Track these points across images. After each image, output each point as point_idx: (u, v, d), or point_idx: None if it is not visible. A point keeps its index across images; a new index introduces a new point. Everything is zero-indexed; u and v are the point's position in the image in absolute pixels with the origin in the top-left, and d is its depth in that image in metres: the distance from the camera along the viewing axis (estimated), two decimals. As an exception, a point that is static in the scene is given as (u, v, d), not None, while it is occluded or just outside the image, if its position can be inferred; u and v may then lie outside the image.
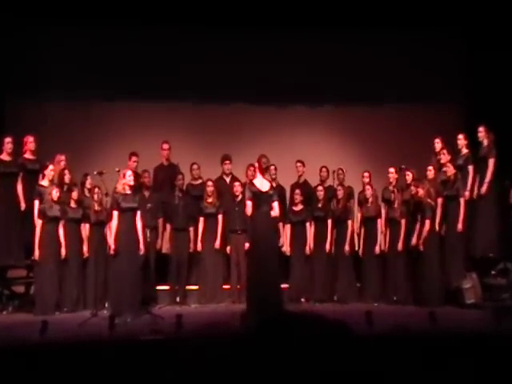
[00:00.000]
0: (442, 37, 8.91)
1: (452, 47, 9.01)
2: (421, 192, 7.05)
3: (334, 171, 7.88)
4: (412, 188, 7.21)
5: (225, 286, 7.52)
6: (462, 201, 7.06)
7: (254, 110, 8.99)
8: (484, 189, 7.07)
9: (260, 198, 5.92)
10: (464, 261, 7.00)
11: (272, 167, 7.71)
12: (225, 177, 8.07)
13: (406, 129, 8.96)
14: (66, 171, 7.25)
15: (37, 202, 6.84)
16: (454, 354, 4.07)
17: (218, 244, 7.48)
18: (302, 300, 7.37)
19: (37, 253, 6.69)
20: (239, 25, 8.59)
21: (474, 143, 7.41)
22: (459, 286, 6.77)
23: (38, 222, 6.75)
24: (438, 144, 7.58)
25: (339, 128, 9.17)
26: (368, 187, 7.63)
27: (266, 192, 5.94)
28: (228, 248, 7.54)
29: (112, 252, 6.38)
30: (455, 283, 6.82)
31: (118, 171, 6.57)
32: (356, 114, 9.07)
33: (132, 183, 6.52)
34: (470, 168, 7.24)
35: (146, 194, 7.47)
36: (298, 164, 8.13)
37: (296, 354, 1.36)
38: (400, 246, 7.19)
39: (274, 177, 7.77)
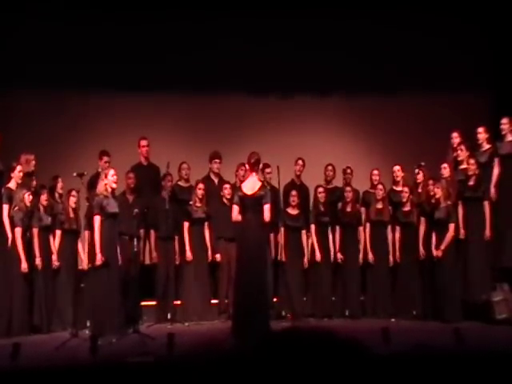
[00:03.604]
0: (463, 16, 8.87)
1: (476, 29, 8.96)
2: (439, 193, 7.04)
3: (343, 170, 7.89)
4: (430, 187, 7.20)
5: (214, 301, 7.53)
6: (486, 204, 7.02)
7: (250, 101, 8.96)
8: None
9: (246, 203, 5.87)
10: (493, 270, 7.00)
11: (268, 169, 7.66)
12: (213, 177, 7.99)
13: (425, 121, 8.95)
14: (33, 177, 7.18)
15: (6, 207, 6.80)
16: (483, 376, 4.06)
17: (210, 254, 7.49)
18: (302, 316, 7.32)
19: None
20: (232, 4, 8.56)
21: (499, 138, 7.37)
22: (488, 299, 6.76)
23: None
24: (456, 139, 7.54)
25: (349, 120, 9.16)
26: (381, 187, 7.61)
27: (253, 195, 5.86)
28: (218, 256, 7.52)
29: (99, 262, 6.29)
30: (483, 296, 6.82)
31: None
32: (366, 105, 9.05)
33: (115, 185, 6.46)
34: (496, 160, 7.15)
35: (130, 197, 7.47)
36: (300, 162, 8.06)
37: (303, 376, 1.36)
38: (421, 252, 7.18)
39: (268, 177, 7.67)
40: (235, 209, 5.91)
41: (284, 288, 7.43)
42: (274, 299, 7.29)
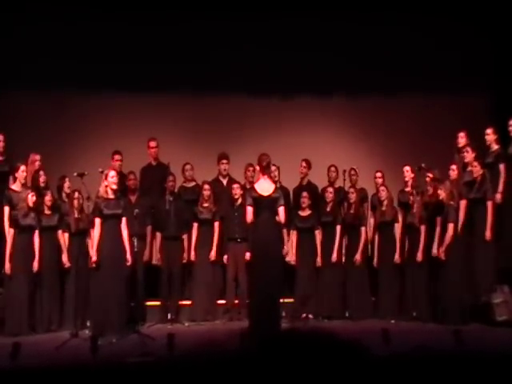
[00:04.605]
0: (463, 17, 8.86)
1: (476, 30, 8.96)
2: (442, 194, 7.03)
3: (344, 171, 7.88)
4: (429, 188, 7.20)
5: (220, 302, 7.52)
6: (489, 204, 7.00)
7: (251, 102, 8.98)
8: None
9: (261, 204, 5.87)
10: (494, 272, 6.97)
11: (273, 168, 7.69)
12: (221, 178, 8.05)
13: (425, 122, 8.95)
14: (41, 172, 7.25)
15: (6, 209, 6.82)
16: (483, 378, 4.06)
17: (213, 254, 7.46)
18: (310, 316, 7.39)
19: (8, 266, 6.66)
20: (237, 7, 8.58)
21: (503, 140, 7.36)
22: (489, 301, 6.74)
23: (10, 231, 6.73)
24: (462, 139, 7.53)
25: (350, 122, 9.17)
26: (383, 188, 7.63)
27: (269, 196, 5.89)
28: (225, 258, 7.53)
29: (93, 264, 6.39)
30: (484, 298, 6.79)
31: (102, 172, 6.52)
32: (369, 106, 9.06)
33: (115, 186, 6.46)
34: (502, 166, 7.14)
35: (133, 198, 7.48)
36: (304, 164, 8.09)
37: (305, 377, 1.36)
38: (420, 255, 7.16)
39: (276, 179, 7.74)
40: (250, 210, 5.91)
41: (296, 289, 7.43)
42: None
